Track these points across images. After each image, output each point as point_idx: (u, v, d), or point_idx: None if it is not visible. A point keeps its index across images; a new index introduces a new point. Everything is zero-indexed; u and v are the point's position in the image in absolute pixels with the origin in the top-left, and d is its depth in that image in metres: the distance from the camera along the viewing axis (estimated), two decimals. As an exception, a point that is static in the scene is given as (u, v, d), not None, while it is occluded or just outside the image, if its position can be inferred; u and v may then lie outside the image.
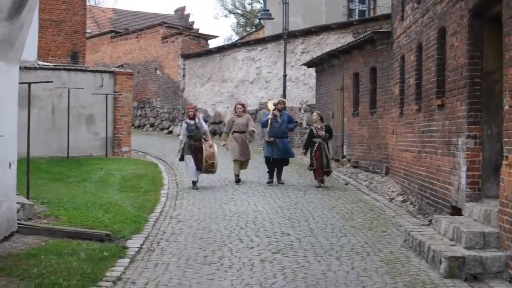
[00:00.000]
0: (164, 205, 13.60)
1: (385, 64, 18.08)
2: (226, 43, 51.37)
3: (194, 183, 16.37)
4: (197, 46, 36.82)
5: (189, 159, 16.25)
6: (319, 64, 25.37)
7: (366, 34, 20.07)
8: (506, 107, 8.27)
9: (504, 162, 8.33)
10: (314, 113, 18.19)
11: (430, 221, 11.43)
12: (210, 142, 16.66)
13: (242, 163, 17.59)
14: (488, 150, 10.12)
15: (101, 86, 22.00)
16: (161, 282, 7.85)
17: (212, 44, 41.88)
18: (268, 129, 17.57)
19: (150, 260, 8.95)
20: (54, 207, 12.01)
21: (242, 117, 17.76)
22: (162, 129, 37.80)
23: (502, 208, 8.31)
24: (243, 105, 18.39)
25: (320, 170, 16.98)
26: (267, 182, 17.24)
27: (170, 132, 36.45)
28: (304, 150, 17.61)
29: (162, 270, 8.41)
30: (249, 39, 35.40)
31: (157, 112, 38.83)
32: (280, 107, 17.86)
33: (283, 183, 17.17)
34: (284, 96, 27.40)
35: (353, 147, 20.96)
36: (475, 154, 10.12)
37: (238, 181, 17.32)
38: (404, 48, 15.51)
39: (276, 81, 29.77)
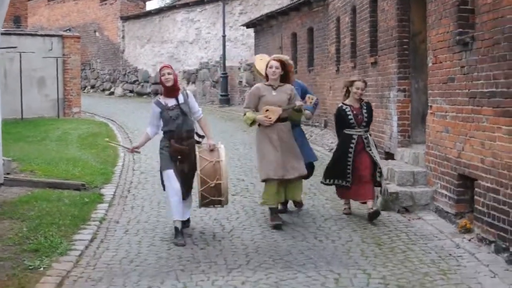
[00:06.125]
0: (124, 159, 14.56)
1: (322, 24, 19.28)
2: (161, 4, 51.67)
3: (177, 230, 7.88)
4: (135, 8, 37.48)
5: (169, 178, 8.01)
6: (258, 24, 26.42)
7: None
8: (430, 64, 9.63)
9: (429, 111, 9.71)
10: (357, 82, 9.44)
11: (366, 166, 12.77)
12: (211, 142, 8.18)
13: (286, 184, 8.92)
14: (415, 102, 11.42)
15: (51, 49, 22.77)
16: (141, 220, 9.07)
17: (149, 6, 42.32)
18: None
19: (125, 204, 10.15)
20: (25, 163, 12.90)
21: (279, 90, 8.73)
22: (103, 90, 38.51)
23: (428, 150, 9.74)
24: (283, 62, 8.81)
25: (371, 185, 9.25)
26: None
27: (112, 93, 37.23)
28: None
29: (139, 211, 9.63)
30: (188, 1, 36.08)
31: (98, 74, 39.44)
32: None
33: (301, 206, 9.76)
34: (223, 56, 28.38)
35: (293, 103, 22.12)
36: (405, 106, 11.39)
37: (278, 224, 8.53)
38: (339, 10, 16.70)
39: (215, 41, 30.77)
